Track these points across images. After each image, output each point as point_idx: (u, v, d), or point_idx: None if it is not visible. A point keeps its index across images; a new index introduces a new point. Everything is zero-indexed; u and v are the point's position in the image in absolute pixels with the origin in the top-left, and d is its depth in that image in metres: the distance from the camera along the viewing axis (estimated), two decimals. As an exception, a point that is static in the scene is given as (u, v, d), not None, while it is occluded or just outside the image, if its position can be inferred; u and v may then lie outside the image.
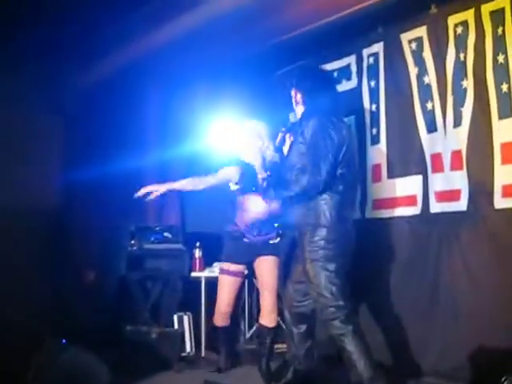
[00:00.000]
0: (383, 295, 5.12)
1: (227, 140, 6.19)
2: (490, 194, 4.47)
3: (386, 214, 5.27)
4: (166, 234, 5.96)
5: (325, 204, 4.00)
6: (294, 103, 4.33)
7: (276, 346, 5.65)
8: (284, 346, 5.53)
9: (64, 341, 5.21)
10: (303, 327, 4.30)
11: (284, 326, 4.46)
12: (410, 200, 5.09)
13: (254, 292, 6.63)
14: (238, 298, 6.47)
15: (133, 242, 5.81)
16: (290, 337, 4.37)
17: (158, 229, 5.99)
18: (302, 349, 4.31)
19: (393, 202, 5.24)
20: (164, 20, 5.56)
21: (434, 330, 4.80)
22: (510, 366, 3.83)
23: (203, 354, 5.77)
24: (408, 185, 5.12)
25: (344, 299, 3.94)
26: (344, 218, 4.09)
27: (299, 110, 4.29)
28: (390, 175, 5.29)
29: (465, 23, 4.71)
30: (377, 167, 5.34)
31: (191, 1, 5.38)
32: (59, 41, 5.59)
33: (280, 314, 5.36)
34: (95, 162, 5.70)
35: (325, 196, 4.00)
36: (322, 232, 3.97)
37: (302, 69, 4.56)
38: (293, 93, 4.31)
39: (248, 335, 6.42)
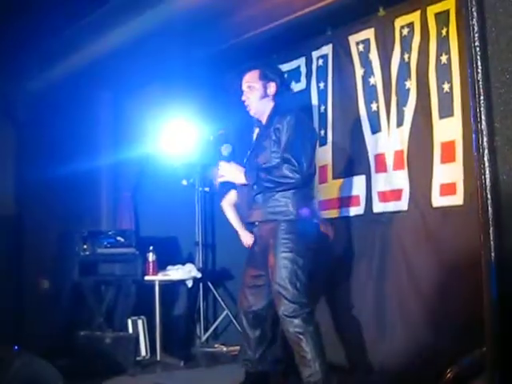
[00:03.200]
0: (331, 295, 5.21)
1: (181, 142, 6.34)
2: (429, 193, 4.58)
3: (331, 214, 5.33)
4: (119, 239, 5.98)
5: (298, 197, 4.00)
6: (257, 98, 4.22)
7: (229, 348, 5.80)
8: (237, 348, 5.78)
9: (16, 348, 5.27)
10: (258, 331, 4.29)
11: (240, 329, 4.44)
12: (354, 200, 5.17)
13: (210, 295, 6.75)
14: (194, 302, 6.60)
15: (85, 246, 5.82)
16: (246, 340, 4.34)
17: (110, 233, 6.02)
18: (257, 352, 4.31)
19: (337, 203, 5.31)
20: (116, 22, 5.60)
21: (381, 329, 4.88)
22: (454, 360, 3.95)
23: (158, 358, 5.80)
24: (352, 185, 5.20)
25: (307, 297, 3.95)
26: (314, 213, 4.15)
27: (264, 105, 4.25)
28: (335, 176, 5.36)
29: (411, 25, 4.81)
30: (323, 168, 5.41)
31: (144, 2, 5.46)
32: (10, 44, 5.60)
33: (235, 317, 5.46)
34: (47, 166, 5.70)
35: (298, 189, 3.99)
36: (296, 224, 3.96)
37: (271, 65, 4.51)
38: (259, 86, 4.22)
39: (204, 338, 6.50)
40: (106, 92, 6.48)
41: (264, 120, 4.26)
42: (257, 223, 4.21)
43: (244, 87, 4.27)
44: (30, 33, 5.56)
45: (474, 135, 1.86)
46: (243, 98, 4.28)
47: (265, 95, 4.21)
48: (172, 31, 5.48)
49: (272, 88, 4.21)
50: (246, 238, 5.02)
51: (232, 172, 4.13)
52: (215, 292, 6.59)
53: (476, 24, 1.85)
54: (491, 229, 1.85)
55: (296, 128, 3.98)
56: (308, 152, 4.01)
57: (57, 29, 5.61)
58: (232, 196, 5.23)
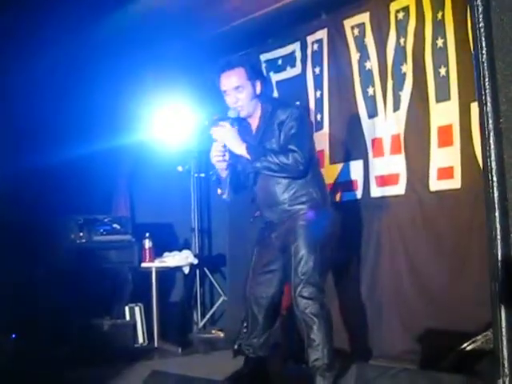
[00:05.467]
0: (330, 280, 5.13)
1: (176, 128, 6.32)
2: (426, 177, 4.60)
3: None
4: (115, 226, 5.95)
5: (317, 183, 3.99)
6: (249, 98, 3.99)
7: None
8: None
9: (14, 335, 5.27)
10: (268, 316, 4.21)
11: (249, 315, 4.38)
12: (352, 185, 5.19)
13: (206, 281, 6.76)
14: (190, 288, 6.60)
15: (81, 234, 5.79)
16: (252, 326, 4.25)
17: (106, 220, 5.97)
18: (262, 338, 4.25)
19: (335, 188, 5.31)
20: (110, 9, 5.58)
21: (378, 315, 4.90)
22: (452, 345, 3.96)
23: (156, 345, 5.80)
24: (349, 170, 5.20)
25: (325, 282, 4.02)
26: (330, 197, 4.16)
27: (254, 105, 4.03)
28: (332, 161, 5.37)
29: (406, 9, 4.79)
30: (320, 153, 5.32)
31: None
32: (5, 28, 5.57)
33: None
34: (41, 153, 5.64)
35: (312, 176, 3.95)
36: (320, 211, 3.93)
37: (251, 63, 4.24)
38: (249, 86, 3.97)
39: (201, 324, 6.51)
40: (102, 79, 6.40)
41: (253, 120, 4.10)
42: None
43: (228, 88, 3.97)
44: (26, 16, 5.53)
45: (479, 117, 1.84)
46: (230, 99, 3.99)
47: (255, 95, 4.03)
48: (167, 15, 5.45)
49: (259, 87, 4.05)
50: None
51: (232, 138, 3.93)
52: (212, 278, 6.60)
53: (480, 4, 1.83)
54: (496, 212, 1.85)
55: (299, 121, 3.91)
56: (311, 145, 4.01)
57: (52, 15, 5.56)
58: None
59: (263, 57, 6.02)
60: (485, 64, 1.81)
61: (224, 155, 3.93)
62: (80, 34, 5.74)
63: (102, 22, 5.64)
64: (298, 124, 3.89)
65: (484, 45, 1.81)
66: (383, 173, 4.96)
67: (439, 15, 4.55)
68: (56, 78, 5.94)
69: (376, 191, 5.02)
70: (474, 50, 1.83)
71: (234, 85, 3.95)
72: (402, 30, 4.82)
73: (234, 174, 4.07)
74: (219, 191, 4.09)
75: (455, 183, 4.42)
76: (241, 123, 4.07)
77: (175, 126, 6.32)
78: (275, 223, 4.06)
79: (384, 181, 4.95)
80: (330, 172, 5.33)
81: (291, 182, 3.93)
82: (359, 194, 5.14)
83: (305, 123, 4.02)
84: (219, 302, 6.54)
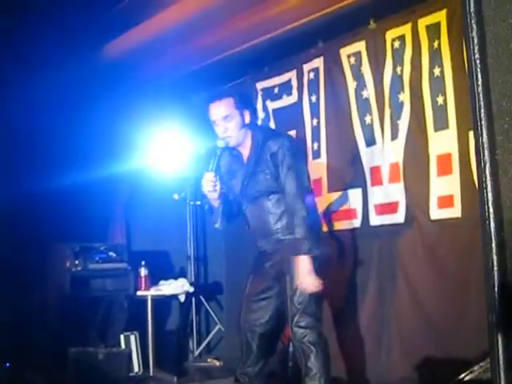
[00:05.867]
0: (327, 309, 5.11)
1: (172, 155, 6.34)
2: (426, 206, 4.60)
3: (326, 227, 5.28)
4: (110, 253, 5.95)
5: (314, 213, 3.98)
6: (237, 127, 3.95)
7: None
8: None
9: (8, 364, 5.22)
10: (262, 345, 4.17)
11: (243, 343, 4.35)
12: (350, 213, 5.19)
13: (202, 310, 6.73)
14: (186, 317, 6.57)
15: (77, 262, 5.76)
16: (247, 354, 4.20)
17: (102, 248, 5.97)
18: (257, 366, 4.19)
19: (333, 216, 5.32)
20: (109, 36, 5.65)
21: (380, 343, 4.89)
22: (451, 373, 3.93)
23: (151, 373, 5.75)
24: (347, 198, 5.21)
25: (322, 312, 4.01)
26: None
27: (243, 134, 3.99)
28: (330, 189, 5.37)
29: (402, 38, 4.83)
30: (318, 181, 5.39)
31: (136, 17, 5.46)
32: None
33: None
34: (39, 179, 5.65)
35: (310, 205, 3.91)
36: (318, 242, 3.88)
37: (239, 92, 4.29)
38: (237, 115, 3.94)
39: (197, 353, 6.47)
40: (98, 105, 6.40)
41: (244, 149, 4.06)
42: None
43: (217, 117, 3.94)
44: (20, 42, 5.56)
45: (475, 148, 1.84)
46: (219, 129, 3.95)
47: (243, 124, 4.01)
48: (165, 41, 5.51)
49: (247, 116, 4.03)
50: None
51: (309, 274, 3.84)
52: (208, 306, 6.57)
53: (476, 36, 1.83)
54: (493, 243, 1.84)
55: (291, 152, 3.90)
56: (307, 175, 3.99)
57: (50, 44, 5.60)
58: None
59: (259, 85, 6.05)
60: (480, 95, 1.81)
61: (215, 185, 3.90)
62: (78, 61, 5.78)
63: (98, 50, 5.71)
64: (291, 156, 3.88)
65: (479, 76, 1.81)
66: (382, 201, 4.96)
67: (435, 44, 4.59)
68: (52, 104, 5.95)
69: (375, 219, 5.02)
70: (469, 80, 1.83)
71: (223, 114, 3.93)
72: (398, 59, 4.85)
73: (227, 204, 4.06)
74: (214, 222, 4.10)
75: (455, 212, 4.43)
76: (231, 153, 4.09)
77: (172, 153, 6.34)
78: (269, 253, 4.04)
79: (383, 209, 4.95)
80: (328, 200, 5.34)
81: (284, 212, 3.92)
82: (358, 222, 5.14)
83: (297, 154, 4.00)
84: (215, 330, 6.51)
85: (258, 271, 4.17)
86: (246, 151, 4.06)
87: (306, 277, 3.77)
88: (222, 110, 3.95)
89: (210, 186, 3.90)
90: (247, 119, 4.02)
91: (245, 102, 4.10)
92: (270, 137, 3.98)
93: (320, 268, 3.82)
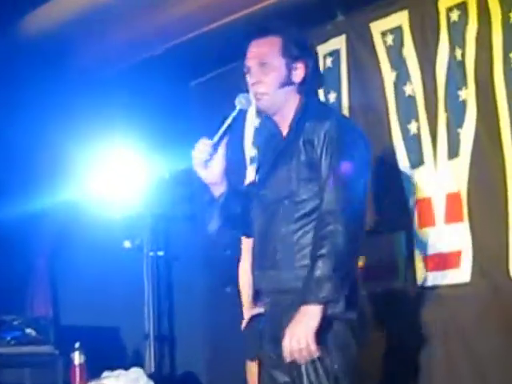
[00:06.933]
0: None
1: (122, 183, 6.37)
2: (504, 257, 4.54)
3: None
4: (28, 331, 5.94)
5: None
6: (276, 83, 3.68)
7: None
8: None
9: None
10: None
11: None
12: (387, 268, 5.19)
13: None
14: None
15: (-20, 344, 5.77)
16: None
17: (16, 323, 5.97)
18: None
19: (365, 273, 5.15)
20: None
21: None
22: None
23: None
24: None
25: None
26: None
27: (285, 97, 3.71)
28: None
29: (462, 6, 4.81)
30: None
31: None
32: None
33: None
34: None
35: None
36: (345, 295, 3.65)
37: (296, 35, 3.86)
38: (281, 65, 3.66)
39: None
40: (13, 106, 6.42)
41: (283, 122, 3.78)
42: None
43: (252, 63, 3.73)
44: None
45: None
46: (251, 79, 3.73)
47: (288, 81, 3.71)
48: (115, 12, 5.63)
49: (300, 71, 3.71)
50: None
51: None
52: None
53: None
54: None
55: (342, 143, 3.55)
56: (360, 187, 3.57)
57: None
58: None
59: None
60: None
61: (211, 158, 3.62)
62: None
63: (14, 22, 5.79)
64: (339, 152, 3.54)
65: None
66: (436, 251, 4.92)
67: (514, 15, 4.56)
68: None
69: (425, 278, 4.97)
70: None
71: (257, 59, 3.68)
72: (457, 38, 4.83)
73: (234, 198, 3.80)
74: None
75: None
76: (264, 123, 4.03)
77: (121, 179, 6.37)
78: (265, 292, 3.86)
79: (437, 263, 4.91)
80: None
81: (306, 234, 3.59)
82: (400, 281, 5.11)
83: (352, 152, 3.57)
84: None
85: (256, 341, 4.04)
86: (285, 125, 3.77)
87: (301, 338, 3.42)
88: (257, 52, 3.70)
89: (205, 153, 3.59)
90: (298, 76, 3.71)
91: (300, 50, 3.73)
92: (314, 113, 3.67)
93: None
